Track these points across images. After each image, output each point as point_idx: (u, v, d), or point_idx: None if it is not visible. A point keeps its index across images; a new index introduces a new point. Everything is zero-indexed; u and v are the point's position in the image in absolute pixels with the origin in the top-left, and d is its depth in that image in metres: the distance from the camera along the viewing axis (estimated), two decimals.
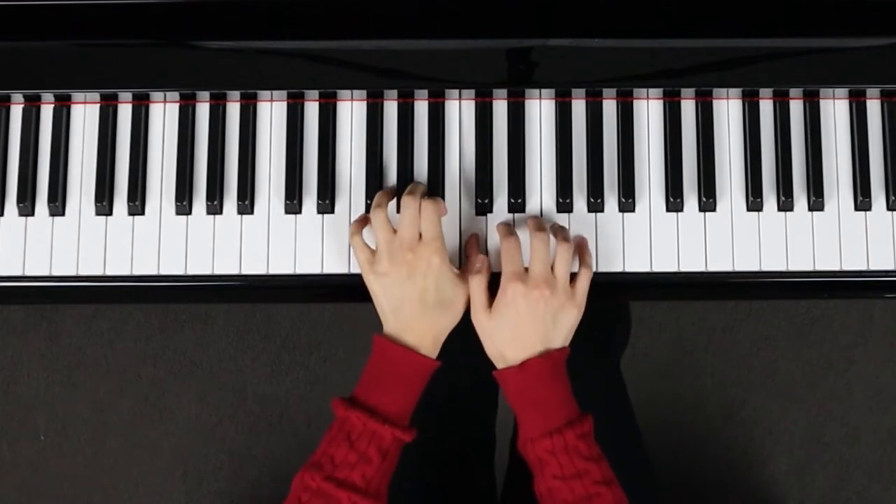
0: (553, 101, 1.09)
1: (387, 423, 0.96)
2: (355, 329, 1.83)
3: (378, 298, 1.01)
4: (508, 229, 1.04)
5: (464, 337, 1.03)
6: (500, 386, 1.01)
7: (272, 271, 1.07)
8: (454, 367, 1.15)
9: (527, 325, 0.98)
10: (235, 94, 1.09)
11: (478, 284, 1.01)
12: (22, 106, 1.10)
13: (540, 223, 1.03)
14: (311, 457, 0.97)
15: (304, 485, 0.95)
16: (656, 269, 1.07)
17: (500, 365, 1.01)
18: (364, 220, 1.05)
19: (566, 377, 1.00)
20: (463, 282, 1.01)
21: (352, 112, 1.09)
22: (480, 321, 1.00)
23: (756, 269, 1.07)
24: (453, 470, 1.22)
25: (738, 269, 1.07)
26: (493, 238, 1.07)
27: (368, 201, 1.07)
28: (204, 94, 1.09)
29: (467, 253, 1.04)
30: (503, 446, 1.28)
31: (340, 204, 1.08)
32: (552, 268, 1.00)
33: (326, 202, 1.07)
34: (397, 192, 1.06)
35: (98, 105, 1.09)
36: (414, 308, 0.99)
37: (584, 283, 1.02)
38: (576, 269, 1.03)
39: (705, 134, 1.08)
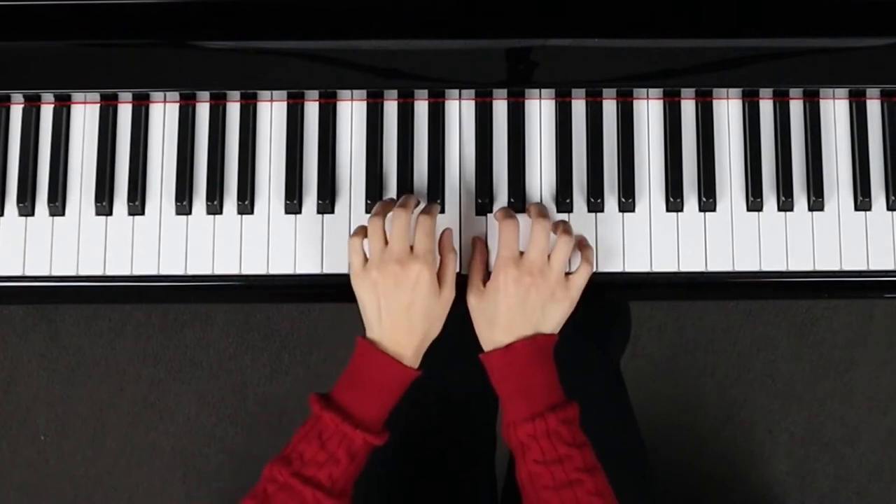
0: (553, 101, 1.09)
1: (359, 428, 0.96)
2: (355, 329, 1.81)
3: (363, 304, 1.00)
4: (508, 212, 1.03)
5: (466, 336, 1.02)
6: (485, 369, 1.01)
7: (272, 271, 1.07)
8: (455, 367, 1.15)
9: (515, 311, 0.98)
10: (235, 94, 1.09)
11: (475, 267, 1.01)
12: (22, 106, 1.10)
13: (543, 210, 1.03)
14: (283, 450, 0.98)
15: (271, 476, 0.96)
16: (656, 269, 1.07)
17: (487, 348, 1.00)
18: (366, 229, 1.04)
19: (552, 363, 0.99)
20: (444, 295, 1.00)
21: (352, 112, 1.09)
22: (473, 302, 1.00)
23: (756, 269, 1.07)
24: (454, 470, 1.22)
25: (738, 269, 1.07)
26: (494, 238, 1.06)
27: (369, 201, 1.07)
28: (204, 94, 1.09)
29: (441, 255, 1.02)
30: (503, 446, 1.27)
31: (340, 204, 1.08)
32: (549, 257, 0.99)
33: (326, 202, 1.07)
34: (397, 198, 1.06)
35: (98, 105, 1.09)
36: (398, 319, 0.98)
37: (581, 278, 1.01)
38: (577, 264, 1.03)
39: (705, 134, 1.08)
